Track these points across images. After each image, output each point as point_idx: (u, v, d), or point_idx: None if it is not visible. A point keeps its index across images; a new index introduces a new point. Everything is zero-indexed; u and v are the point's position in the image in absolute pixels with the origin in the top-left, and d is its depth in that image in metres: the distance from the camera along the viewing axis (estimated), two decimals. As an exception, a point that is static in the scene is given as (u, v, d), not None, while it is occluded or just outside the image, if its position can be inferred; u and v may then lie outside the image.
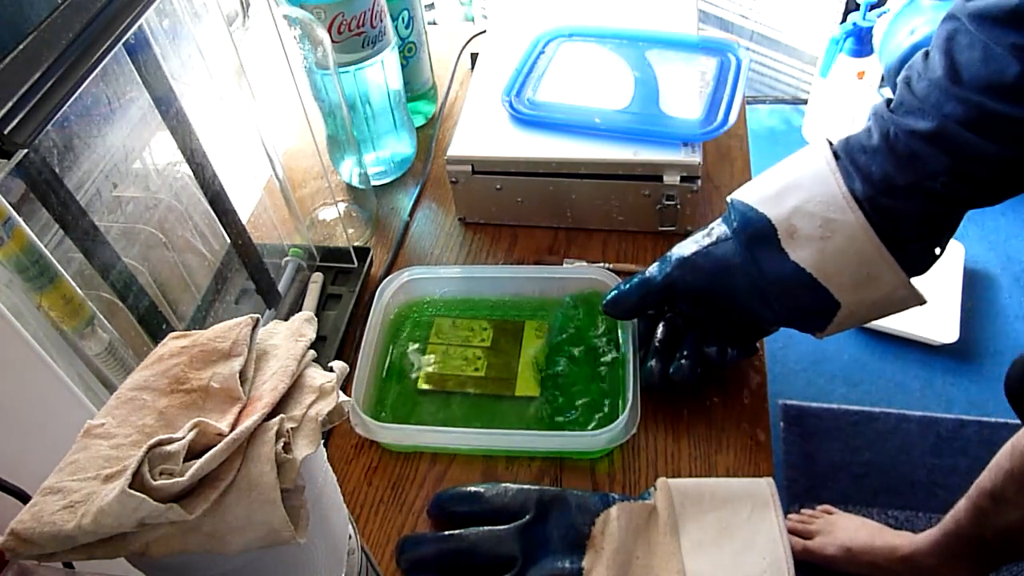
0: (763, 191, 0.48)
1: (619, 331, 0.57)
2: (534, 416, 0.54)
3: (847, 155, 0.45)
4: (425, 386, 0.57)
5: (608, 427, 0.50)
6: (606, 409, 0.54)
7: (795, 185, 0.46)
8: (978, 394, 1.38)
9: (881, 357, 1.45)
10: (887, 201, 0.43)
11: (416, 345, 0.59)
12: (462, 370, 0.57)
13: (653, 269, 0.53)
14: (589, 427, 0.53)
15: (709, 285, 0.50)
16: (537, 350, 0.58)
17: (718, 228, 0.50)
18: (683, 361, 0.52)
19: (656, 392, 0.54)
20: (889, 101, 0.44)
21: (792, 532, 1.17)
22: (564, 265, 0.66)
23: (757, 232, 0.47)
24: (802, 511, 1.18)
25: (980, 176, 0.41)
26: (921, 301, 0.46)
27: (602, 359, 0.57)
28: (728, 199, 0.50)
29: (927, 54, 0.42)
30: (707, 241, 0.50)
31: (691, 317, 0.53)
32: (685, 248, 0.51)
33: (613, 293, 0.54)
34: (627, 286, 0.54)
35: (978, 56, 0.39)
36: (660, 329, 0.54)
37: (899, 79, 0.43)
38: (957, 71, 0.40)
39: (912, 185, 0.42)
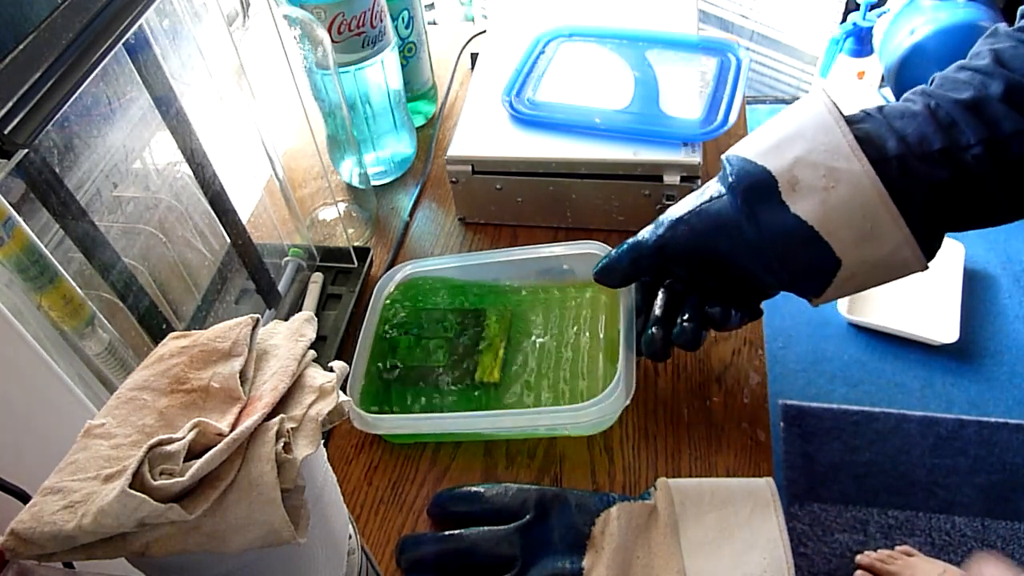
0: (761, 144, 0.46)
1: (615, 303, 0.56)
2: (513, 399, 0.54)
3: (883, 116, 0.45)
4: (385, 378, 0.56)
5: (599, 397, 0.49)
6: (601, 384, 0.53)
7: (797, 135, 0.45)
8: (978, 394, 1.39)
9: (881, 357, 1.45)
10: (917, 163, 0.43)
11: (388, 337, 0.59)
12: (423, 362, 0.57)
13: (644, 233, 0.51)
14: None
15: (704, 246, 0.48)
16: (506, 333, 0.57)
17: (712, 186, 0.49)
18: (685, 324, 0.50)
19: (660, 361, 0.52)
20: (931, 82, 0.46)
21: (869, 570, 1.13)
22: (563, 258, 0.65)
23: (756, 185, 0.45)
24: (879, 551, 1.14)
25: (1012, 153, 0.42)
26: (924, 266, 0.45)
27: (600, 337, 0.56)
28: (723, 157, 0.48)
29: (957, 67, 0.45)
30: (700, 200, 0.49)
31: (691, 281, 0.51)
32: (677, 209, 0.50)
33: (604, 260, 0.53)
34: (618, 252, 0.52)
35: None
36: (660, 296, 0.52)
37: (937, 75, 0.46)
38: (1003, 61, 0.43)
39: (944, 151, 0.42)
